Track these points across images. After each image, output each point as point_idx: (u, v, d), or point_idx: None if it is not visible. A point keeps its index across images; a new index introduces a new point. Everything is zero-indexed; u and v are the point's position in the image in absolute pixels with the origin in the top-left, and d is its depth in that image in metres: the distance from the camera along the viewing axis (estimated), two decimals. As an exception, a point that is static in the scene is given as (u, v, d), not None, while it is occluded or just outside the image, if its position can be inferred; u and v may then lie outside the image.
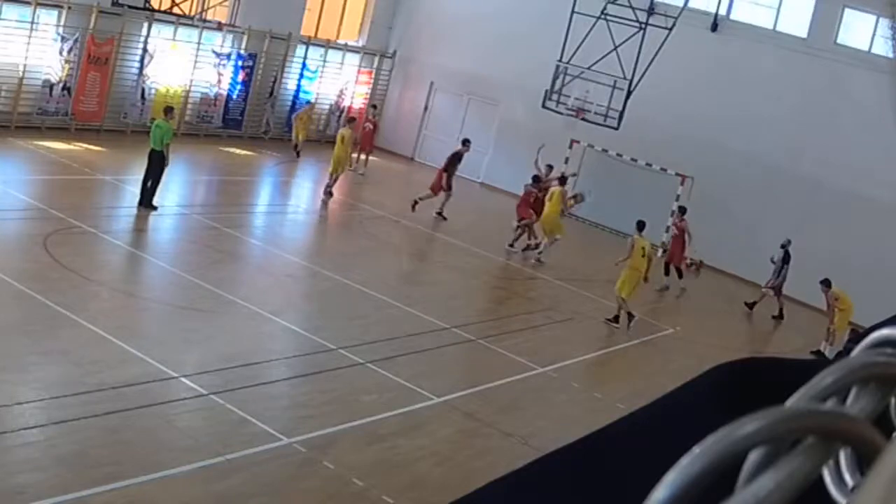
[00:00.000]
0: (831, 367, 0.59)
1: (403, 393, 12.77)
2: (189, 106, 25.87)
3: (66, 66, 22.68)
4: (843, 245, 22.78)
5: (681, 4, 23.56)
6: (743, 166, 24.69)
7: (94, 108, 23.56)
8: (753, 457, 0.53)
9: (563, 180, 22.52)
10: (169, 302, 14.39)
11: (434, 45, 29.75)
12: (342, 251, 19.30)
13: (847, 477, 0.60)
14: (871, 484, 0.50)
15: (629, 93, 23.01)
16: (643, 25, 23.07)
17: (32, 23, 21.84)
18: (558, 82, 24.19)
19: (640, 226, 18.78)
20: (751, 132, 24.56)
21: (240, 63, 26.74)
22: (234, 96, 26.88)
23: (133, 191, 19.05)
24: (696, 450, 0.51)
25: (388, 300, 16.32)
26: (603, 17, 23.52)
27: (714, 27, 25.63)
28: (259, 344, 13.41)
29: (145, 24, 24.12)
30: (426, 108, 30.56)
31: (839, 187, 23.33)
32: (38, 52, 22.13)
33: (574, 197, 22.52)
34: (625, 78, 23.13)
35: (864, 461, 0.58)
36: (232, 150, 25.99)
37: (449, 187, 23.38)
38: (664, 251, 23.39)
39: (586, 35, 23.39)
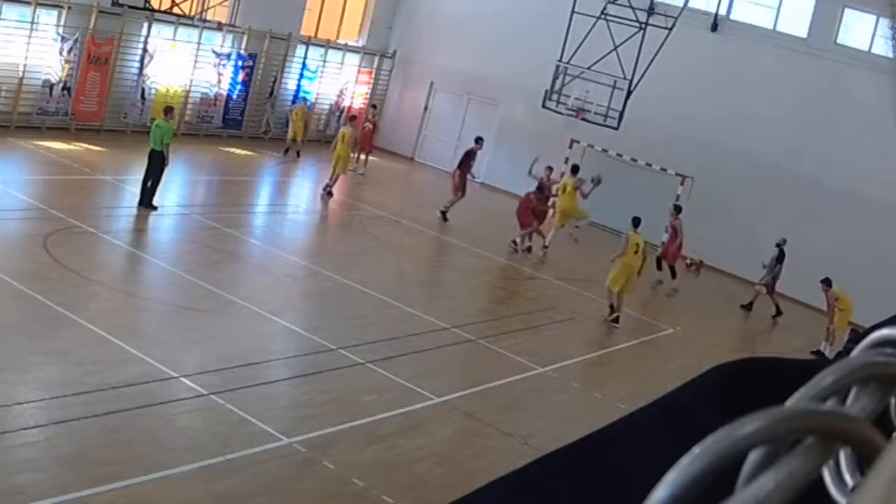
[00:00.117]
0: (831, 367, 0.59)
1: (403, 393, 12.77)
2: (189, 106, 25.88)
3: (66, 66, 22.68)
4: (843, 245, 22.79)
5: (681, 4, 23.57)
6: (743, 166, 24.69)
7: (94, 108, 23.57)
8: (753, 457, 0.53)
9: (597, 182, 22.60)
10: (169, 302, 14.39)
11: (434, 45, 29.76)
12: (342, 251, 19.30)
13: (847, 477, 0.60)
14: (871, 484, 0.50)
15: (629, 93, 23.01)
16: (643, 25, 23.08)
17: (32, 23, 21.84)
18: (558, 82, 24.20)
19: (636, 222, 18.82)
20: (751, 132, 24.56)
21: (240, 63, 26.75)
22: (234, 96, 26.88)
23: (133, 191, 19.06)
24: (696, 450, 0.51)
25: (388, 300, 16.32)
26: (603, 17, 23.52)
27: (714, 27, 25.63)
28: (259, 344, 13.41)
29: (145, 24, 24.12)
30: (426, 108, 30.56)
31: (839, 187, 23.34)
32: (38, 52, 22.13)
33: (592, 180, 22.65)
34: (625, 78, 23.13)
35: (864, 461, 0.58)
36: (232, 150, 25.99)
37: (463, 188, 23.46)
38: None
39: (586, 35, 23.39)
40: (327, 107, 29.82)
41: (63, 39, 22.50)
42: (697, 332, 19.21)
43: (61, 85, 22.75)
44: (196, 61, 25.49)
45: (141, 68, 24.30)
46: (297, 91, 28.32)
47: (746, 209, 24.63)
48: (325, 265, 17.77)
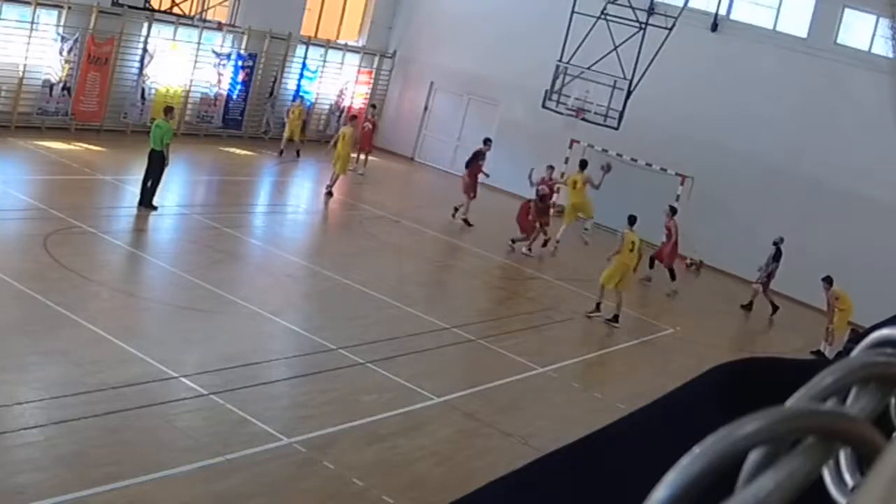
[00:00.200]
0: (831, 367, 0.59)
1: (403, 393, 12.77)
2: (189, 106, 25.88)
3: (66, 66, 22.68)
4: (843, 245, 22.78)
5: (681, 4, 23.57)
6: (743, 166, 24.69)
7: (94, 108, 23.57)
8: (753, 457, 0.53)
9: (607, 169, 22.69)
10: (169, 302, 14.39)
11: (434, 45, 29.76)
12: (342, 251, 19.29)
13: (847, 477, 0.60)
14: (871, 484, 0.50)
15: (629, 93, 23.01)
16: (643, 25, 23.08)
17: (32, 23, 21.84)
18: (558, 82, 24.20)
19: (631, 220, 18.88)
20: (751, 132, 24.56)
21: (240, 63, 26.75)
22: (234, 96, 26.88)
23: (133, 191, 19.06)
24: (696, 450, 0.51)
25: (388, 300, 16.32)
26: (603, 17, 23.52)
27: (714, 27, 25.63)
28: (259, 344, 13.41)
29: (145, 24, 24.12)
30: (426, 108, 30.56)
31: (839, 187, 23.33)
32: (38, 52, 22.13)
33: (602, 167, 22.68)
34: (625, 78, 23.13)
35: (864, 461, 0.58)
36: (232, 150, 25.99)
37: (474, 189, 23.50)
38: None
39: (586, 35, 23.39)
40: (327, 107, 29.81)
41: (63, 39, 22.50)
42: (697, 332, 19.21)
43: (61, 85, 22.75)
44: (196, 61, 25.49)
45: (141, 68, 24.30)
46: (297, 91, 28.32)
47: (746, 209, 24.63)
48: (325, 265, 17.77)
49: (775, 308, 22.04)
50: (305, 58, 28.40)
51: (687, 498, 0.51)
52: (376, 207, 23.17)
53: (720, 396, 0.86)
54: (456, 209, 23.34)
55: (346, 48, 29.87)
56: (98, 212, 18.17)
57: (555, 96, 24.12)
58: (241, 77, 26.84)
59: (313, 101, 29.08)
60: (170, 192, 19.55)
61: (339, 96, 29.93)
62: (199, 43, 25.42)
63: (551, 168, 23.09)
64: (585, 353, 16.74)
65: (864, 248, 22.61)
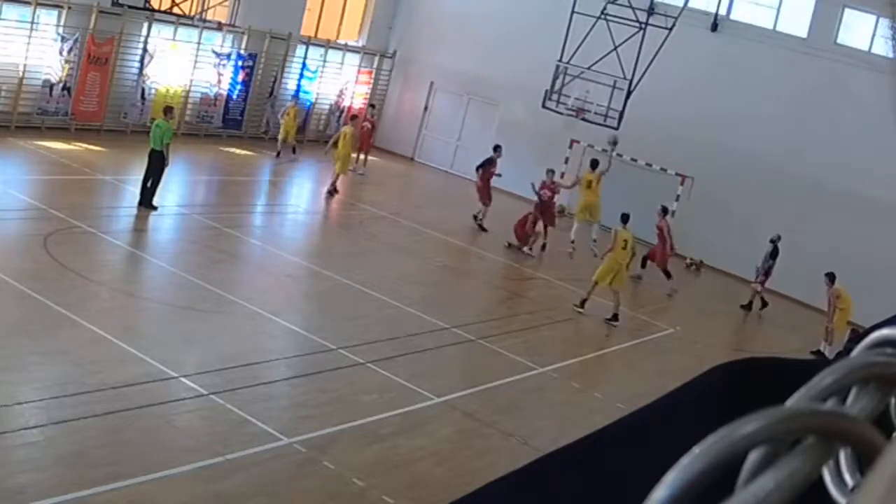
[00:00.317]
0: (831, 367, 0.59)
1: (403, 393, 12.77)
2: (189, 106, 25.88)
3: (66, 66, 22.68)
4: (842, 245, 22.77)
5: (681, 4, 23.57)
6: (743, 166, 24.68)
7: (94, 108, 23.57)
8: (753, 457, 0.53)
9: (614, 142, 22.84)
10: (169, 302, 14.39)
11: (434, 45, 29.76)
12: (342, 251, 19.29)
13: (847, 477, 0.60)
14: (871, 484, 0.50)
15: (629, 93, 23.02)
16: (643, 25, 23.08)
17: (32, 23, 21.84)
18: (558, 82, 24.21)
19: (624, 218, 18.99)
20: (751, 132, 24.55)
21: (240, 63, 26.75)
22: (234, 96, 26.88)
23: (133, 191, 19.06)
24: (696, 450, 0.51)
25: (388, 300, 16.33)
26: (603, 17, 23.53)
27: (714, 27, 25.63)
28: (259, 344, 13.42)
29: (145, 24, 24.12)
30: (426, 108, 30.56)
31: (839, 187, 23.33)
32: (38, 52, 22.13)
33: (609, 141, 22.90)
34: (625, 78, 23.14)
35: (864, 461, 0.58)
36: (232, 150, 25.99)
37: (488, 195, 23.55)
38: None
39: (586, 35, 23.40)
40: (327, 107, 29.81)
41: (63, 39, 22.50)
42: (697, 332, 19.21)
43: (61, 85, 22.75)
44: (196, 61, 25.49)
45: (141, 68, 24.30)
46: (297, 91, 28.31)
47: (746, 209, 24.63)
48: (325, 265, 17.77)
49: (764, 304, 22.12)
50: (305, 58, 28.40)
51: (687, 498, 0.51)
52: (376, 207, 23.18)
53: (720, 396, 0.86)
54: (476, 217, 23.40)
55: (346, 48, 29.87)
56: (98, 212, 18.17)
57: (555, 96, 24.13)
58: (241, 77, 26.84)
59: (313, 101, 29.07)
60: (170, 192, 19.55)
61: (339, 96, 29.93)
62: (199, 43, 25.42)
63: (552, 172, 23.12)
64: (585, 353, 16.74)
65: (863, 247, 22.61)
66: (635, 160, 25.92)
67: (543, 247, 22.57)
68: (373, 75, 30.90)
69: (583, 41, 23.39)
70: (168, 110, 19.73)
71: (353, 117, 26.08)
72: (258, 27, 26.62)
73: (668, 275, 22.07)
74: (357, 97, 30.25)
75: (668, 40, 22.68)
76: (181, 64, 25.11)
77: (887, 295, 19.20)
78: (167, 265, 16.06)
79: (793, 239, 22.67)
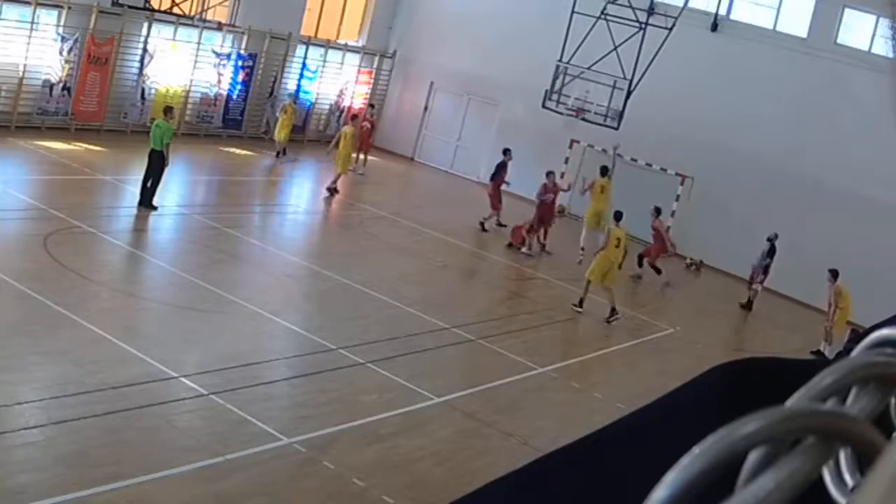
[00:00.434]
0: (831, 367, 0.59)
1: (403, 393, 12.77)
2: (189, 106, 25.88)
3: (66, 66, 22.68)
4: (842, 245, 22.77)
5: (681, 4, 23.57)
6: (743, 166, 24.68)
7: (94, 108, 23.57)
8: (753, 457, 0.53)
9: (616, 147, 22.81)
10: (169, 302, 14.39)
11: (434, 45, 29.75)
12: (342, 251, 19.29)
13: (847, 477, 0.60)
14: (871, 484, 0.50)
15: (629, 93, 23.03)
16: (643, 25, 23.08)
17: (32, 23, 21.84)
18: (558, 82, 24.20)
19: (617, 216, 19.09)
20: (751, 132, 24.55)
21: (240, 63, 26.74)
22: (234, 96, 26.88)
23: (133, 191, 19.06)
24: (696, 450, 0.51)
25: (388, 300, 16.33)
26: (603, 17, 23.53)
27: (714, 27, 25.63)
28: (259, 344, 13.41)
29: (145, 24, 24.12)
30: (426, 108, 30.56)
31: (839, 187, 23.33)
32: (38, 52, 22.13)
33: (614, 148, 22.94)
34: (625, 78, 23.14)
35: (864, 461, 0.58)
36: (232, 150, 25.99)
37: (499, 199, 23.57)
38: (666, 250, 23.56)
39: (586, 35, 23.40)
40: (327, 107, 29.80)
41: (63, 39, 22.50)
42: (697, 332, 19.21)
43: (61, 85, 22.75)
44: (196, 61, 25.49)
45: (141, 68, 24.30)
46: (298, 91, 28.31)
47: (746, 209, 24.63)
48: (325, 265, 17.77)
49: (749, 302, 22.13)
50: (305, 58, 28.40)
51: (687, 498, 0.51)
52: (376, 207, 23.18)
53: (720, 396, 0.86)
54: (494, 222, 23.40)
55: (346, 48, 29.87)
56: (98, 212, 18.17)
57: (555, 96, 24.13)
58: (241, 77, 26.84)
59: (313, 101, 29.07)
60: (170, 192, 19.55)
61: (339, 96, 29.92)
62: (199, 43, 25.42)
63: (552, 174, 23.14)
64: (585, 353, 16.74)
65: (863, 247, 22.61)
66: (635, 160, 25.92)
67: (543, 247, 22.57)
68: (373, 75, 30.90)
69: (583, 41, 23.39)
70: (168, 110, 19.73)
71: (354, 117, 26.10)
72: (258, 27, 26.62)
73: (657, 270, 22.20)
74: (357, 97, 30.24)
75: (668, 40, 22.68)
76: (181, 64, 25.11)
77: (887, 295, 19.20)
78: (167, 265, 16.06)
79: (793, 239, 22.67)
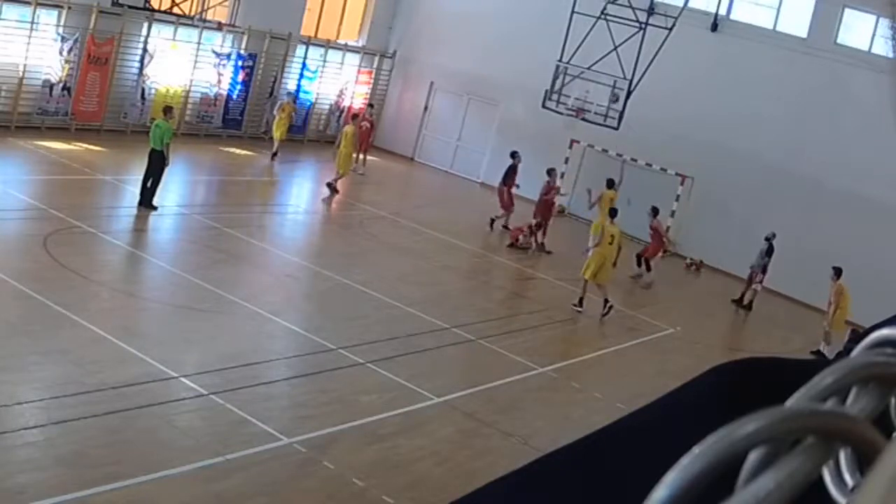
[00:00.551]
0: (831, 367, 0.59)
1: (403, 393, 12.77)
2: (189, 106, 25.88)
3: (66, 66, 22.68)
4: (842, 245, 22.77)
5: (681, 4, 23.57)
6: (743, 166, 24.69)
7: (94, 108, 23.57)
8: (753, 457, 0.53)
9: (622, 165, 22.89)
10: (169, 302, 14.39)
11: (434, 45, 29.75)
12: (342, 251, 19.30)
13: (847, 477, 0.60)
14: (871, 484, 0.50)
15: (629, 93, 23.03)
16: (643, 25, 23.08)
17: (32, 23, 21.84)
18: (558, 82, 24.20)
19: (612, 213, 19.08)
20: (751, 132, 24.55)
21: (240, 63, 26.74)
22: (234, 96, 26.88)
23: (133, 191, 19.06)
24: (696, 450, 0.51)
25: (388, 300, 16.32)
26: (603, 17, 23.53)
27: (714, 27, 25.63)
28: (259, 344, 13.42)
29: (145, 24, 24.12)
30: (426, 108, 30.56)
31: (839, 187, 23.33)
32: (38, 52, 22.13)
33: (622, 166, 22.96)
34: (625, 78, 23.14)
35: (864, 461, 0.58)
36: (232, 150, 25.99)
37: (511, 202, 23.58)
38: (665, 250, 23.59)
39: (586, 35, 23.40)
40: (327, 107, 29.80)
41: (63, 39, 22.50)
42: (697, 332, 19.21)
43: (61, 85, 22.75)
44: (196, 61, 25.49)
45: (141, 68, 24.30)
46: (297, 91, 28.31)
47: (746, 209, 24.63)
48: (325, 265, 17.77)
49: (742, 300, 22.15)
50: (305, 58, 28.40)
51: (687, 498, 0.51)
52: (376, 207, 23.18)
53: (720, 396, 0.86)
54: (503, 223, 23.41)
55: (346, 48, 29.87)
56: (98, 212, 18.17)
57: (555, 96, 24.13)
58: (241, 77, 26.84)
59: (313, 101, 29.06)
60: (170, 192, 19.55)
61: (339, 96, 29.92)
62: (199, 43, 25.42)
63: (553, 171, 23.17)
64: (585, 353, 16.74)
65: (863, 247, 22.60)
66: (635, 160, 25.93)
67: (543, 246, 22.57)
68: (373, 75, 30.90)
69: (583, 41, 23.39)
70: (168, 110, 19.73)
71: (355, 116, 26.12)
72: (258, 27, 26.62)
73: (647, 266, 22.25)
74: (357, 97, 30.24)
75: (668, 40, 22.68)
76: (181, 64, 25.11)
77: (887, 295, 19.19)
78: (167, 265, 16.06)
79: (793, 239, 22.66)
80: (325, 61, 29.16)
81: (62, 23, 22.48)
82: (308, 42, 28.35)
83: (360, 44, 30.45)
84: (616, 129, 23.21)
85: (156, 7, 24.09)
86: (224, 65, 26.31)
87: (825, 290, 20.03)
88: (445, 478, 10.74)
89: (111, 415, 10.27)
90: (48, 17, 22.27)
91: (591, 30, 23.43)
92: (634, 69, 22.92)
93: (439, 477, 10.78)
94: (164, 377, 11.47)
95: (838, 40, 24.17)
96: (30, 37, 21.89)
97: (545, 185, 22.74)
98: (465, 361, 15.05)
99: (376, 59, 30.90)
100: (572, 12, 23.94)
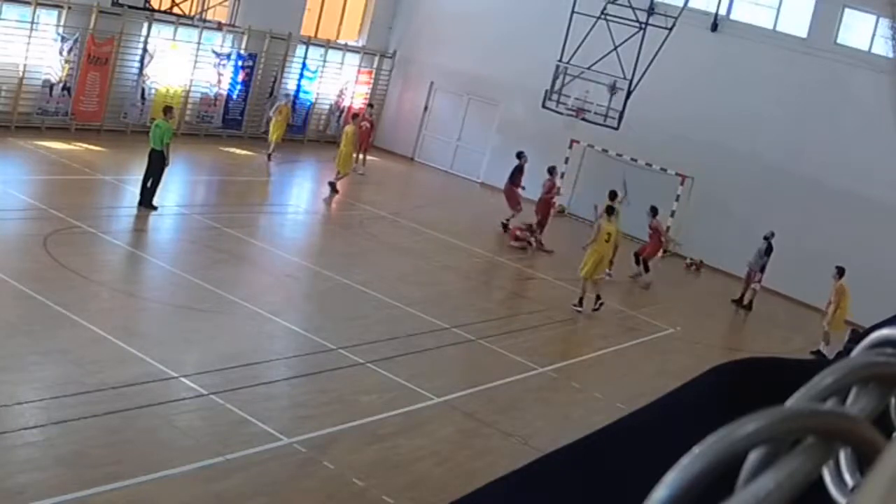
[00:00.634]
0: (831, 367, 0.59)
1: (403, 393, 12.77)
2: (189, 106, 25.87)
3: (66, 66, 22.68)
4: (842, 245, 22.77)
5: (681, 4, 23.57)
6: (743, 166, 24.69)
7: (94, 108, 23.57)
8: (753, 457, 0.53)
9: (624, 180, 22.77)
10: (169, 302, 14.39)
11: (434, 45, 29.75)
12: (342, 251, 19.30)
13: (847, 477, 0.60)
14: (871, 484, 0.50)
15: (629, 93, 23.03)
16: (643, 25, 23.08)
17: (32, 23, 21.84)
18: (558, 82, 24.20)
19: (609, 211, 19.08)
20: (751, 132, 24.56)
21: (240, 63, 26.74)
22: (234, 96, 26.88)
23: (133, 191, 19.06)
24: (696, 450, 0.51)
25: (388, 300, 16.32)
26: (603, 17, 23.53)
27: (714, 27, 25.63)
28: (259, 344, 13.42)
29: (145, 24, 24.12)
30: (426, 108, 30.56)
31: (839, 187, 23.33)
32: (38, 52, 22.13)
33: (623, 183, 22.98)
34: (625, 78, 23.14)
35: (864, 461, 0.58)
36: (232, 150, 25.98)
37: (518, 201, 23.60)
38: (665, 250, 23.60)
39: (586, 35, 23.40)
40: (327, 107, 29.80)
41: (63, 39, 22.50)
42: (697, 332, 19.21)
43: (61, 85, 22.75)
44: (196, 61, 25.48)
45: (141, 68, 24.30)
46: (297, 91, 28.32)
47: (746, 209, 24.63)
48: (325, 265, 17.77)
49: (742, 298, 22.12)
50: (305, 58, 28.39)
51: (687, 498, 0.51)
52: (376, 207, 23.18)
53: (720, 396, 0.86)
54: (514, 221, 23.43)
55: (346, 48, 29.87)
56: (98, 212, 18.17)
57: (555, 96, 24.13)
58: (241, 77, 26.84)
59: (313, 101, 29.06)
60: (170, 192, 19.55)
61: (339, 96, 29.92)
62: (199, 43, 25.42)
63: (554, 169, 23.16)
64: (585, 353, 16.74)
65: (863, 247, 22.60)
66: (635, 160, 25.93)
67: (541, 244, 22.57)
68: (373, 75, 30.89)
69: (583, 41, 23.39)
70: (168, 110, 19.73)
71: (355, 115, 26.12)
72: (258, 27, 26.62)
73: (646, 267, 22.25)
74: (357, 97, 30.24)
75: (668, 40, 22.68)
76: (181, 64, 25.11)
77: (887, 295, 19.18)
78: (167, 265, 16.06)
79: (793, 239, 22.65)
80: (325, 61, 29.16)
81: (62, 23, 22.48)
82: (308, 42, 28.35)
83: (360, 44, 30.45)
84: (616, 129, 23.20)
85: (156, 7, 24.09)
86: (224, 65, 26.31)
87: (825, 290, 20.03)
88: (445, 478, 10.74)
89: (111, 415, 10.27)
90: (48, 17, 22.27)
91: (591, 30, 23.43)
92: (634, 69, 22.91)
93: (439, 477, 10.78)
94: (164, 377, 11.47)
95: (838, 40, 24.18)
96: (30, 37, 21.89)
97: (546, 183, 22.73)
98: (465, 361, 15.05)
99: (376, 59, 30.90)
100: (572, 12, 23.94)
